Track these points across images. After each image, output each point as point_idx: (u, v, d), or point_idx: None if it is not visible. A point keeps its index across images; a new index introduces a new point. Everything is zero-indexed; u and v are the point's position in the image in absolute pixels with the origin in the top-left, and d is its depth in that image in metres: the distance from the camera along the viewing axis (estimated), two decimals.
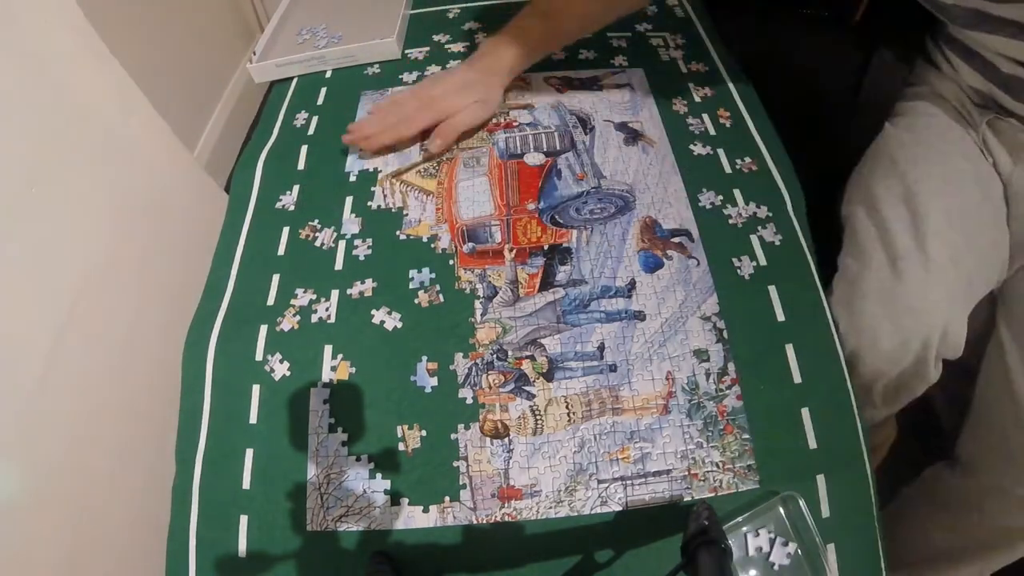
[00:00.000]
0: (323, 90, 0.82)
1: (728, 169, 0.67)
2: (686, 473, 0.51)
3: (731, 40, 0.83)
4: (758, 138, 0.70)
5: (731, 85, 0.76)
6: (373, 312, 0.59)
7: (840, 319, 0.58)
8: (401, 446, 0.53)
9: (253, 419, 0.55)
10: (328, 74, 0.84)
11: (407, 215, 0.66)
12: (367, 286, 0.61)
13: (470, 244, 0.63)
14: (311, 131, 0.76)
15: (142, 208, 0.75)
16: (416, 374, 0.55)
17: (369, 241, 0.64)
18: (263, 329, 0.59)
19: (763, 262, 0.60)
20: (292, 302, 0.61)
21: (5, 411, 0.53)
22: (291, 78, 0.85)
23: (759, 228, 0.62)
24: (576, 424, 0.53)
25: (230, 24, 1.29)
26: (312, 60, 0.83)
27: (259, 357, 0.58)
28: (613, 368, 0.55)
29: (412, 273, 0.61)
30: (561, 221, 0.64)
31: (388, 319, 0.59)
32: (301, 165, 0.73)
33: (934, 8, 0.60)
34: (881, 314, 0.56)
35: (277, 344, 0.58)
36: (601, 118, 0.73)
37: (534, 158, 0.69)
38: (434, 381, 0.55)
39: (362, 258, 0.63)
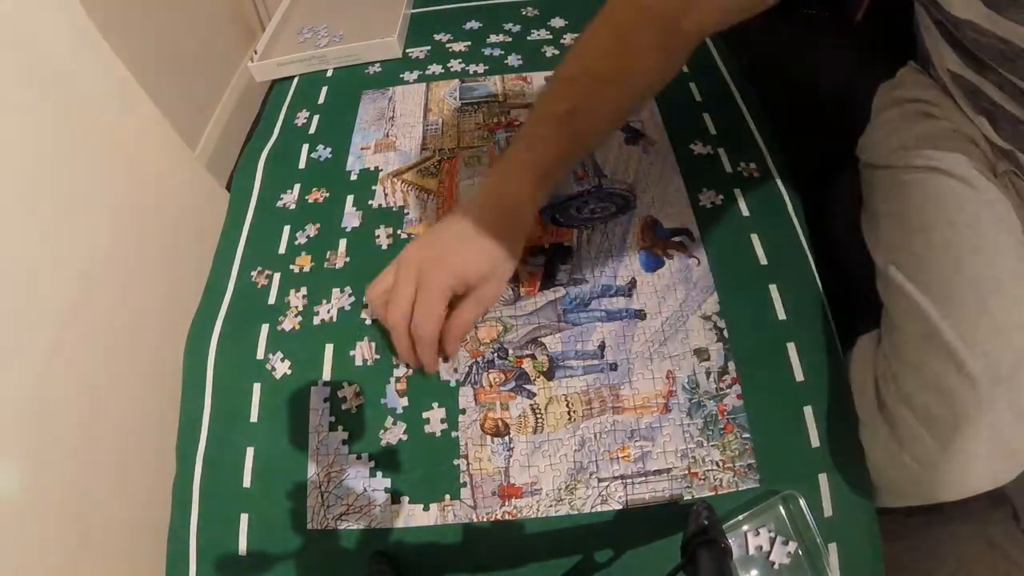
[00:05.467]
0: (324, 89, 0.82)
1: (729, 168, 0.67)
2: (686, 472, 0.51)
3: (731, 40, 0.83)
4: (759, 138, 0.70)
5: (732, 85, 0.76)
6: (365, 300, 0.59)
7: (915, 446, 0.45)
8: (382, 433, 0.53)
9: (254, 418, 0.55)
10: (329, 73, 0.84)
11: (408, 214, 0.66)
12: None
13: None
14: (312, 130, 0.76)
15: (143, 207, 0.75)
16: (386, 396, 0.55)
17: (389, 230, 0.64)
18: (264, 328, 0.59)
19: (764, 261, 0.60)
20: (293, 302, 0.61)
21: (6, 410, 0.53)
22: (292, 77, 0.85)
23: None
24: (576, 423, 0.53)
25: (231, 23, 1.29)
26: (313, 59, 0.83)
27: (260, 356, 0.58)
28: (614, 367, 0.55)
29: None
30: (562, 220, 0.64)
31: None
32: (302, 164, 0.73)
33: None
34: (992, 454, 0.43)
35: (278, 343, 0.58)
36: None
37: None
38: (404, 401, 0.55)
39: (384, 248, 0.63)
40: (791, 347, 0.55)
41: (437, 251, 0.46)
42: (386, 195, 0.68)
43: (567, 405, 0.53)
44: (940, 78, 0.57)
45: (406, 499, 0.51)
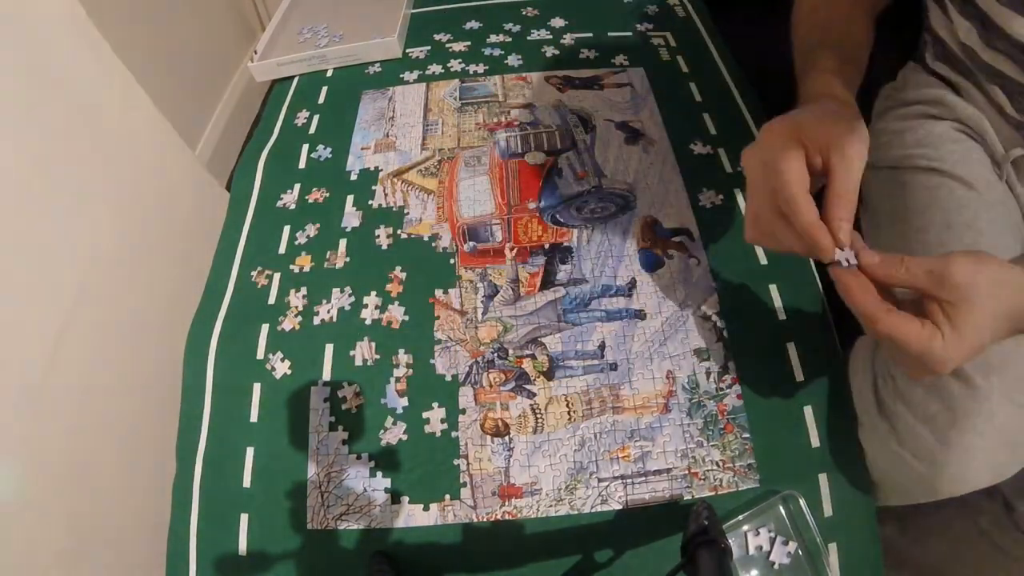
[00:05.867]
0: (324, 89, 0.82)
1: (729, 168, 0.67)
2: (686, 472, 0.51)
3: (731, 39, 0.83)
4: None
5: (732, 85, 0.76)
6: (365, 300, 0.60)
7: (920, 444, 0.45)
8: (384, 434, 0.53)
9: (254, 417, 0.55)
10: (329, 73, 0.84)
11: (408, 214, 0.66)
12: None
13: (471, 243, 0.63)
14: (312, 130, 0.76)
15: (144, 206, 0.75)
16: (386, 396, 0.55)
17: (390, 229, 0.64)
18: (264, 328, 0.59)
19: (764, 261, 0.60)
20: (293, 302, 0.61)
21: (6, 410, 0.53)
22: (292, 77, 0.85)
23: None
24: (576, 423, 0.53)
25: (231, 23, 1.30)
26: (313, 59, 0.83)
27: (260, 356, 0.58)
28: (614, 367, 0.55)
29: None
30: (562, 220, 0.64)
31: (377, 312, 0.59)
32: (302, 164, 0.73)
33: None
34: (992, 448, 0.44)
35: (278, 343, 0.58)
36: (602, 117, 0.73)
37: (535, 157, 0.69)
38: (404, 401, 0.55)
39: (384, 247, 0.63)
40: (791, 347, 0.55)
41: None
42: (386, 195, 0.68)
43: (567, 405, 0.53)
44: (942, 67, 0.57)
45: (406, 499, 0.51)
